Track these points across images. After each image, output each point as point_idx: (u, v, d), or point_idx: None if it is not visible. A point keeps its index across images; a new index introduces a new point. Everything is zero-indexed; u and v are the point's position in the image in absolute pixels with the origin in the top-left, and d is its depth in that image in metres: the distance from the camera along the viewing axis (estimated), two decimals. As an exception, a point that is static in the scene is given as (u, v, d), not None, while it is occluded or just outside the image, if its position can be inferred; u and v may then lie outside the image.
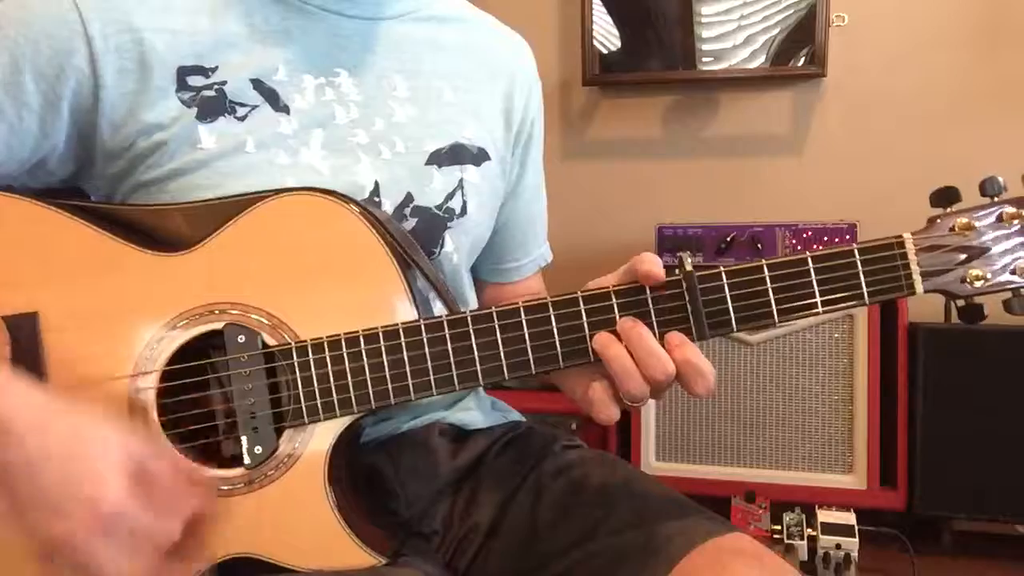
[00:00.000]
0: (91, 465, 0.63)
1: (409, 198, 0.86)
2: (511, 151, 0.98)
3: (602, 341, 0.72)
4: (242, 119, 0.80)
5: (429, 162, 0.88)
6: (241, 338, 0.74)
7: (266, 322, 0.75)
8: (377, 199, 0.84)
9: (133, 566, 0.63)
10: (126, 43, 0.78)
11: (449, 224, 0.88)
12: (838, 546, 1.87)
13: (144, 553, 0.64)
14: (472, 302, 0.98)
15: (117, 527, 0.62)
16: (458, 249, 0.90)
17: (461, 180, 0.90)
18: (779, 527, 1.93)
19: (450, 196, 0.88)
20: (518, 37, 1.03)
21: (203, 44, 0.80)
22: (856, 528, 1.90)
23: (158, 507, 0.64)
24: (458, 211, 0.89)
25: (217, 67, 0.80)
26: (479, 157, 0.92)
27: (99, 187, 0.84)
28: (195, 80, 0.79)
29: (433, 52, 0.91)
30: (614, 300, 0.72)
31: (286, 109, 0.82)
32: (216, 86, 0.80)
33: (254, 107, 0.81)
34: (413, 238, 0.85)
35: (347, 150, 0.84)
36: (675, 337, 0.72)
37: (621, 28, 2.41)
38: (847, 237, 2.04)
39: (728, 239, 2.09)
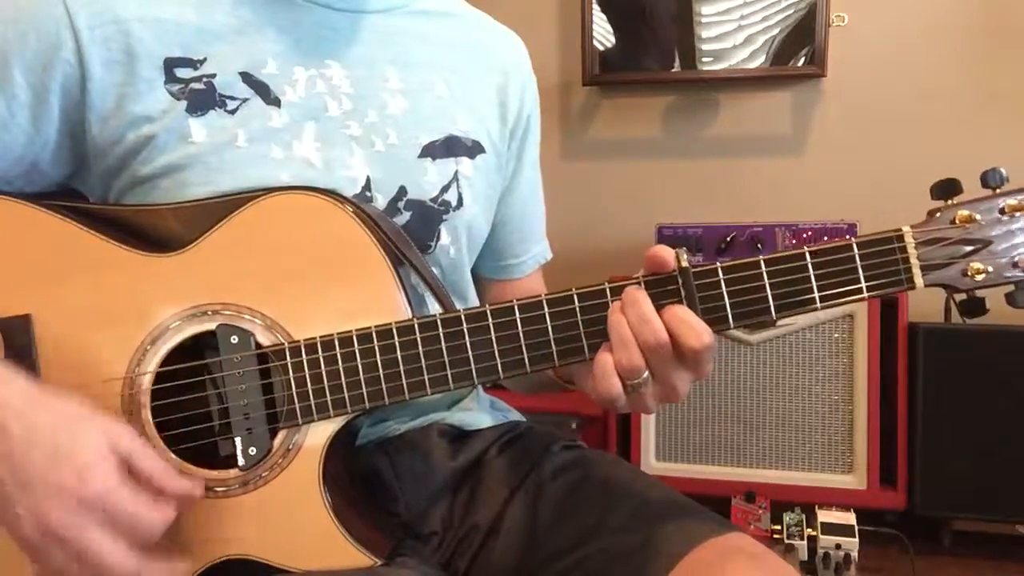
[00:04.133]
0: (77, 450, 0.64)
1: (403, 191, 0.85)
2: (507, 145, 0.98)
3: (610, 309, 0.71)
4: (232, 112, 0.80)
5: (423, 155, 0.87)
6: (234, 339, 0.74)
7: (259, 322, 0.74)
8: (369, 193, 0.84)
9: (119, 551, 0.64)
10: (112, 34, 0.78)
11: (444, 217, 0.88)
12: (838, 546, 1.87)
13: (131, 539, 0.65)
14: (472, 298, 0.98)
15: (104, 509, 0.64)
16: (455, 242, 0.90)
17: (456, 172, 0.89)
18: (779, 527, 1.93)
19: (445, 189, 0.88)
20: (511, 32, 1.02)
21: (190, 35, 0.80)
22: (856, 528, 1.89)
23: (145, 496, 0.66)
24: (454, 204, 0.89)
25: (205, 59, 0.80)
26: (474, 150, 0.92)
27: (94, 187, 0.84)
28: (183, 72, 0.79)
29: (424, 46, 0.91)
30: (609, 297, 0.72)
31: (277, 102, 0.81)
32: (205, 79, 0.79)
33: (244, 100, 0.80)
34: (408, 231, 0.85)
35: (340, 142, 0.83)
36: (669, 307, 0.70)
37: (621, 28, 2.41)
38: (847, 237, 2.03)
39: (728, 239, 2.09)
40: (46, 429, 0.65)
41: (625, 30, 2.40)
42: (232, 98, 0.80)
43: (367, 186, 0.84)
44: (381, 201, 0.84)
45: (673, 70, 2.39)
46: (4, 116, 0.78)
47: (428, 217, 0.87)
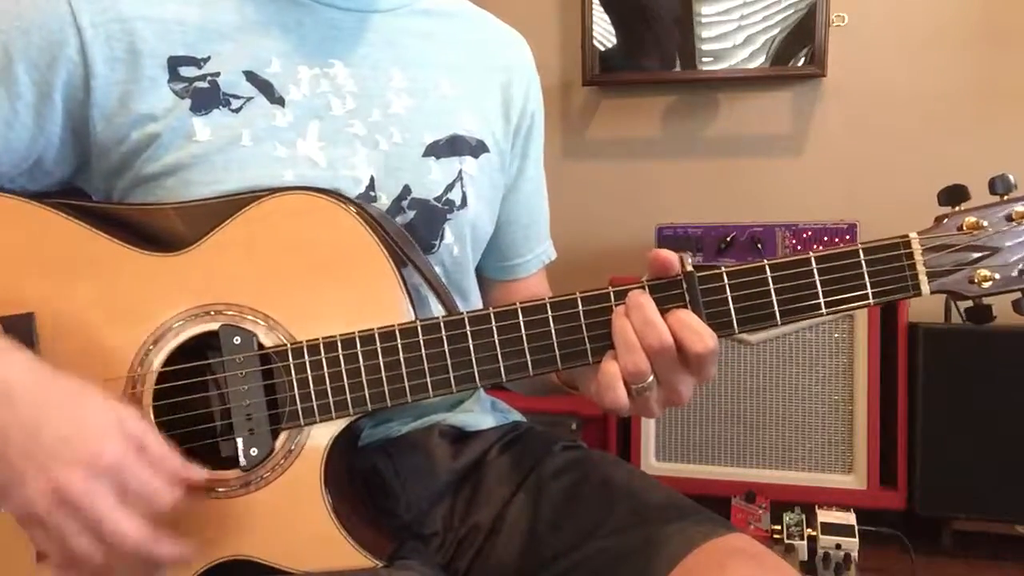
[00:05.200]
0: (90, 421, 0.65)
1: (407, 190, 0.85)
2: (511, 144, 0.98)
3: (614, 313, 0.71)
4: (236, 111, 0.80)
5: (427, 154, 0.87)
6: (237, 339, 0.74)
7: (262, 323, 0.74)
8: (373, 192, 0.84)
9: (133, 521, 0.64)
10: (116, 32, 0.78)
11: (448, 216, 0.88)
12: (838, 546, 1.87)
13: (143, 511, 0.65)
14: (475, 298, 0.98)
15: (116, 478, 0.64)
16: (459, 240, 0.90)
17: (460, 172, 0.89)
18: (779, 527, 1.93)
19: (449, 188, 0.88)
20: (514, 31, 1.03)
21: (193, 34, 0.80)
22: (856, 528, 1.89)
23: (154, 469, 0.66)
24: (458, 203, 0.89)
25: (209, 57, 0.80)
26: (477, 149, 0.92)
27: (97, 187, 0.84)
28: (187, 71, 0.79)
29: (429, 45, 0.91)
30: (613, 301, 0.72)
31: (281, 101, 0.82)
32: (209, 77, 0.80)
33: (248, 99, 0.81)
34: (412, 230, 0.85)
35: (344, 141, 0.83)
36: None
37: (621, 28, 2.41)
38: (847, 237, 2.03)
39: (728, 239, 2.09)
40: (55, 401, 0.65)
41: (625, 30, 2.40)
42: (236, 97, 0.80)
43: (371, 185, 0.84)
44: (385, 200, 0.84)
45: (673, 70, 2.39)
46: (8, 114, 0.78)
47: (432, 216, 0.87)
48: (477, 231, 0.93)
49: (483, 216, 0.93)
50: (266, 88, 0.81)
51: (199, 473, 0.70)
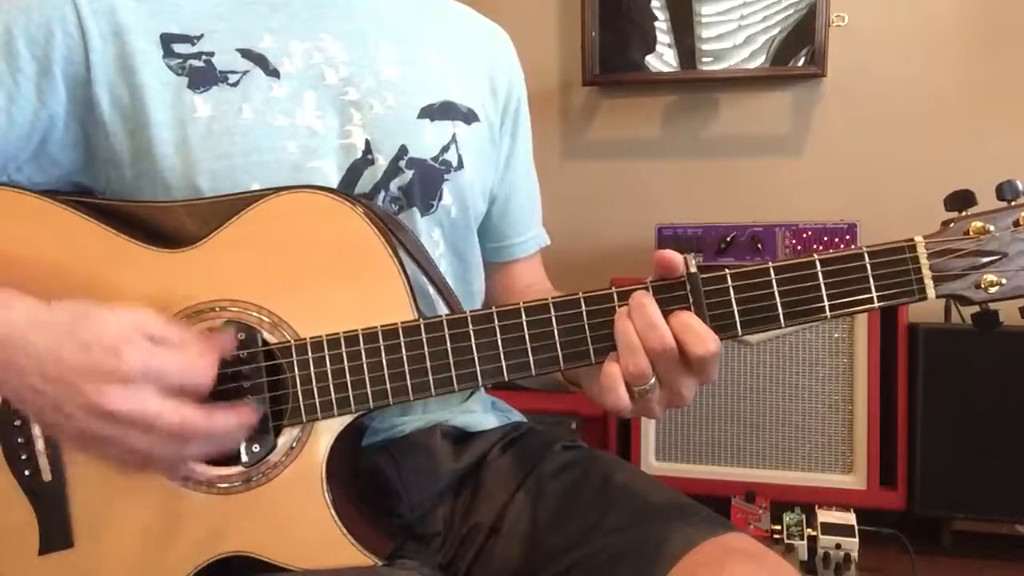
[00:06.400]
0: (103, 335, 0.65)
1: (404, 150, 0.87)
2: (499, 119, 1.01)
3: (616, 314, 0.71)
4: (235, 85, 0.82)
5: (421, 116, 0.90)
6: (241, 335, 0.74)
7: (266, 320, 0.75)
8: (371, 156, 0.85)
9: (184, 408, 0.65)
10: (108, 10, 0.80)
11: (446, 176, 0.90)
12: (838, 546, 1.87)
13: (189, 395, 0.66)
14: (475, 261, 0.99)
15: (151, 377, 0.64)
16: (457, 202, 0.91)
17: (454, 135, 0.91)
18: (779, 527, 1.92)
19: (445, 149, 0.90)
20: (495, 25, 1.06)
21: (185, 13, 0.83)
22: (856, 528, 1.89)
23: (183, 352, 0.67)
24: (454, 164, 0.91)
25: (202, 35, 0.82)
26: (469, 117, 0.94)
27: (106, 179, 0.85)
28: (181, 48, 0.81)
29: (416, 23, 0.95)
30: (616, 301, 0.72)
31: (276, 73, 0.84)
32: (204, 56, 0.81)
33: (245, 72, 0.83)
34: (411, 189, 0.87)
35: (339, 109, 0.86)
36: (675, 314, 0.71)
37: (620, 28, 2.40)
38: (847, 237, 2.03)
39: (728, 239, 2.08)
40: (64, 329, 0.65)
41: (628, 31, 2.40)
42: (233, 72, 0.82)
43: (367, 149, 0.85)
44: (382, 161, 0.86)
45: (673, 70, 2.39)
46: (11, 88, 0.79)
47: (430, 176, 0.89)
48: (474, 195, 0.94)
49: (477, 184, 0.95)
50: (261, 61, 0.83)
51: (226, 341, 0.71)
